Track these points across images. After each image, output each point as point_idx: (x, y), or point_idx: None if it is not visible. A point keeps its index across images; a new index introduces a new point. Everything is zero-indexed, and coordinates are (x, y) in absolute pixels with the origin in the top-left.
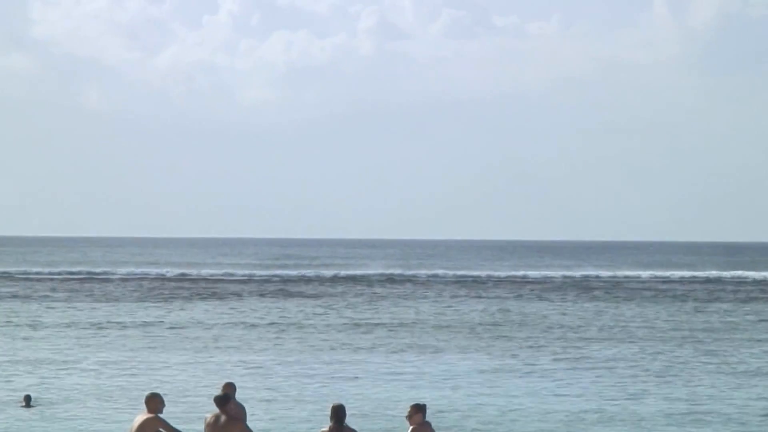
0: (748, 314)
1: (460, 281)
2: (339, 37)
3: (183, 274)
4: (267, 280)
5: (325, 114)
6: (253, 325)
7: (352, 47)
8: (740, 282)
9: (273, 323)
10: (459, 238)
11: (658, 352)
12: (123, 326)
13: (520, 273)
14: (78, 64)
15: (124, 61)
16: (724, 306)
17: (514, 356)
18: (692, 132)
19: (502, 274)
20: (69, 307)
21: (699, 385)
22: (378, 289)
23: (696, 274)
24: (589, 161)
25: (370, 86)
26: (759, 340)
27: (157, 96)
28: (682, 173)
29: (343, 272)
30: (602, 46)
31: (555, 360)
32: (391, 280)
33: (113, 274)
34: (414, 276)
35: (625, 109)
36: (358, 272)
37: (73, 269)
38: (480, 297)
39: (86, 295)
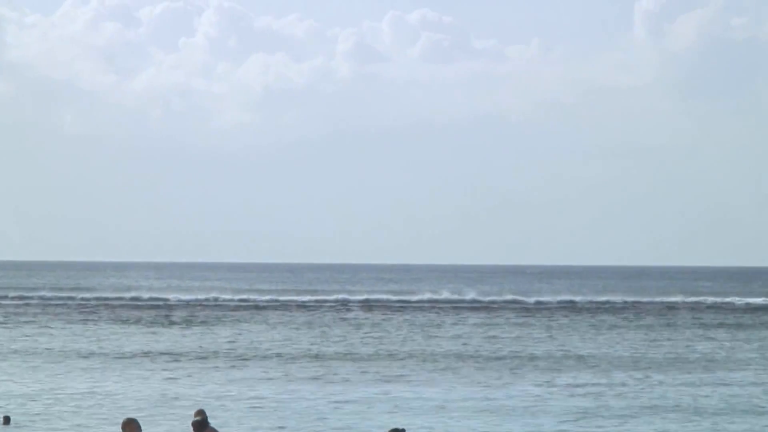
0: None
1: (437, 307)
2: (317, 61)
3: (165, 299)
4: (239, 306)
5: (303, 137)
6: (233, 351)
7: (329, 70)
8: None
9: (256, 348)
10: (440, 263)
11: (645, 379)
12: (101, 353)
13: (508, 298)
14: (53, 87)
15: (100, 84)
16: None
17: (500, 383)
18: (674, 156)
19: (489, 299)
20: (43, 331)
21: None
22: (360, 314)
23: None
24: (569, 185)
25: (348, 110)
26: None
27: (133, 119)
28: (665, 197)
29: (321, 297)
30: (582, 70)
31: (535, 387)
32: (371, 305)
33: (89, 299)
34: (390, 301)
35: (606, 132)
36: (341, 297)
37: (48, 294)
38: (461, 323)
39: (57, 319)
